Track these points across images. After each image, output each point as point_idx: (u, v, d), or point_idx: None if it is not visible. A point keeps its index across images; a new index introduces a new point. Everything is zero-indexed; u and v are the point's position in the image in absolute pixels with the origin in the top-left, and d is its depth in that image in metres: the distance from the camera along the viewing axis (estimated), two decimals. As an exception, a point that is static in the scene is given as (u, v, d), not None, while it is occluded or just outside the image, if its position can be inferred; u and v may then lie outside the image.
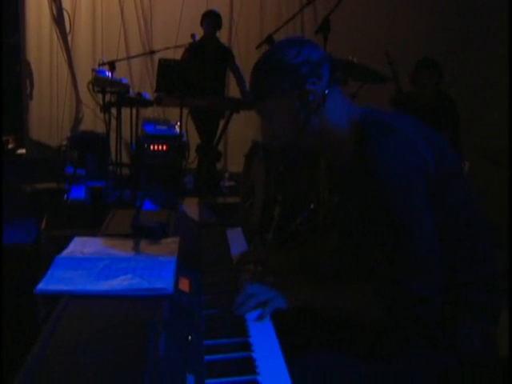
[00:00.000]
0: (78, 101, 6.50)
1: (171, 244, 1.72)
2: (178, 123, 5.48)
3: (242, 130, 6.14)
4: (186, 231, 1.97)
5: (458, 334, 1.39)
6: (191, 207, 4.78)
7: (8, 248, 1.76)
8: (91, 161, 5.24)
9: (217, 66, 5.26)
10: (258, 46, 3.40)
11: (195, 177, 5.40)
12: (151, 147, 5.26)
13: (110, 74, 4.48)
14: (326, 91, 1.43)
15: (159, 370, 1.05)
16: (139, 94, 4.80)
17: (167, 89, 4.47)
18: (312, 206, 3.53)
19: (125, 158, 5.56)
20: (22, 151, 6.64)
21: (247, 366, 1.17)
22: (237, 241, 1.98)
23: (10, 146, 6.92)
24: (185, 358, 1.14)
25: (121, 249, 1.66)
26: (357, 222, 1.45)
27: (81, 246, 1.67)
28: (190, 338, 1.23)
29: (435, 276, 1.32)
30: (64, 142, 5.65)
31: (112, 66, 4.43)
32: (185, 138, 5.52)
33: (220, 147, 5.96)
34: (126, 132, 5.13)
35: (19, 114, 6.52)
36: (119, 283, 1.39)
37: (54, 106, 6.47)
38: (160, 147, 5.30)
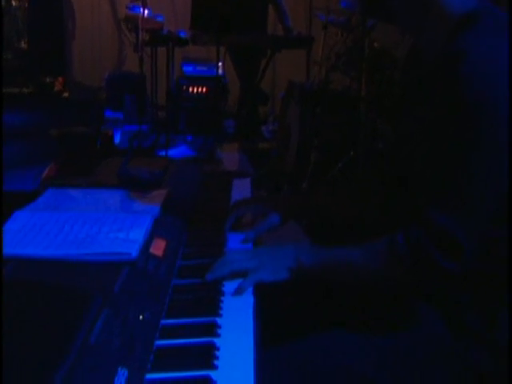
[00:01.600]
0: (120, 41, 6.30)
1: (155, 197, 1.49)
2: (220, 63, 5.22)
3: (289, 71, 5.80)
4: (184, 182, 1.74)
5: (496, 325, 1.11)
6: (229, 153, 4.55)
7: (8, 194, 1.60)
8: (129, 103, 5.07)
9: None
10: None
11: (236, 120, 5.15)
12: (190, 89, 5.03)
13: (142, 11, 4.24)
14: None
15: (84, 360, 0.84)
16: (173, 32, 4.53)
17: (203, 26, 4.20)
18: (351, 153, 3.23)
19: (163, 101, 5.36)
20: (66, 94, 6.54)
21: (204, 357, 0.95)
22: (242, 194, 1.74)
23: (55, 89, 6.85)
24: (124, 346, 0.92)
25: (96, 203, 1.45)
26: (420, 147, 1.17)
27: (53, 198, 1.47)
28: (141, 317, 1.01)
29: (482, 232, 1.06)
30: (103, 84, 5.49)
31: (144, 1, 4.18)
32: (226, 80, 5.25)
33: (267, 89, 5.66)
34: (163, 73, 4.90)
35: (62, 55, 6.40)
36: (75, 246, 1.19)
37: (95, 46, 6.29)
38: (199, 89, 5.06)
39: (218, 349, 0.97)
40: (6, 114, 5.11)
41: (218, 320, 1.05)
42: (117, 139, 4.75)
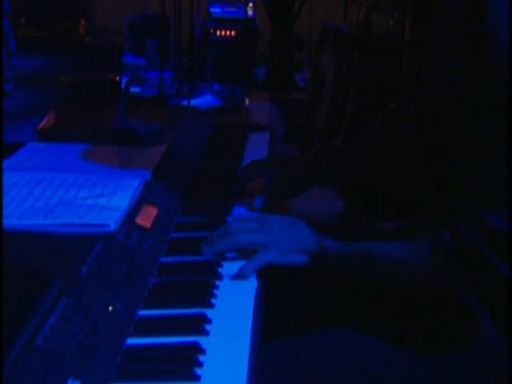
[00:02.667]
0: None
1: (150, 155, 1.30)
2: (251, 4, 4.93)
3: (326, 14, 5.47)
4: (190, 138, 1.55)
5: None
6: (258, 103, 4.32)
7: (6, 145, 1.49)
8: (151, 48, 4.86)
9: None
10: None
11: (267, 67, 4.90)
12: (218, 32, 4.78)
13: None
14: None
15: (24, 367, 0.68)
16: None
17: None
18: (392, 105, 2.97)
19: (187, 46, 5.12)
20: (88, 39, 6.37)
21: (185, 362, 0.77)
22: (258, 152, 1.53)
23: (78, 33, 6.67)
24: (82, 348, 0.75)
25: (79, 161, 1.27)
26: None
27: (30, 155, 1.30)
28: (111, 308, 0.84)
29: None
30: (123, 28, 5.27)
31: None
32: (257, 22, 4.98)
33: (302, 34, 5.36)
34: (188, 16, 4.65)
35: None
36: (43, 214, 1.01)
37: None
38: (228, 32, 4.81)
39: (203, 352, 0.79)
40: (20, 58, 4.95)
41: (209, 312, 0.87)
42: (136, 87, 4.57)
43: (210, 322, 0.85)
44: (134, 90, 4.63)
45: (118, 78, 2.92)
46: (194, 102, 4.34)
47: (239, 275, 0.96)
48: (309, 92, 3.61)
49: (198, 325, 0.83)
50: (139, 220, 1.06)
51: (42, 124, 2.13)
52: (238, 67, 4.75)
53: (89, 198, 1.07)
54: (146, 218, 1.08)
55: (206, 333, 0.82)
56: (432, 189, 1.04)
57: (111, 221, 0.99)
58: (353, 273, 1.00)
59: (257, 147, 1.55)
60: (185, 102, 3.97)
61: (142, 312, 0.87)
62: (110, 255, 0.93)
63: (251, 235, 1.00)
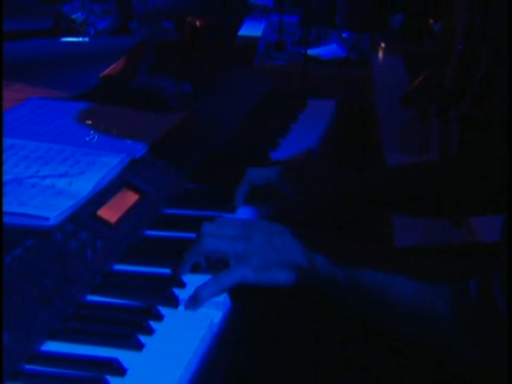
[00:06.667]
0: None
1: (160, 125, 1.10)
2: None
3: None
4: (226, 104, 1.31)
5: None
6: (387, 55, 3.94)
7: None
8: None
9: None
10: None
11: (405, 14, 4.44)
12: (351, -27, 4.40)
13: None
14: None
15: None
16: None
17: None
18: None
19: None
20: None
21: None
22: (311, 126, 1.27)
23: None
24: None
25: (72, 127, 1.10)
26: None
27: (24, 113, 1.14)
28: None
29: None
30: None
31: None
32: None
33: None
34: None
35: None
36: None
37: None
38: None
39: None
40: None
41: (130, 357, 0.66)
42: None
43: (123, 372, 0.64)
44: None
45: (199, 23, 2.62)
46: (317, 51, 4.06)
47: (193, 301, 0.74)
48: (437, 46, 3.19)
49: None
50: (103, 212, 0.87)
51: (106, 71, 2.01)
52: (373, 14, 4.35)
53: (49, 176, 0.90)
54: (115, 208, 0.89)
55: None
56: None
57: (53, 213, 0.80)
58: (346, 305, 0.75)
59: (312, 121, 1.29)
60: (302, 50, 3.70)
61: (44, 349, 0.68)
62: (34, 261, 0.75)
63: (221, 242, 0.78)
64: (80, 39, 4.92)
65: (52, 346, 0.68)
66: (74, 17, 4.96)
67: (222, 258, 0.78)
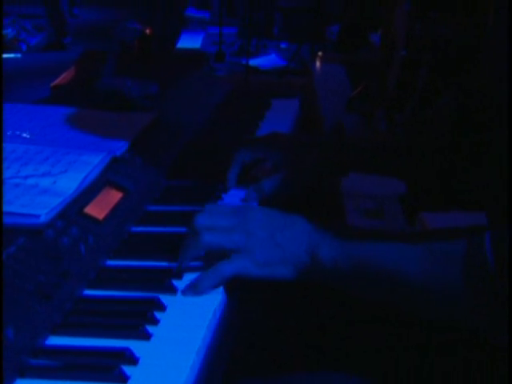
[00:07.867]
0: None
1: (133, 124, 1.10)
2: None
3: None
4: (193, 104, 1.33)
5: None
6: (325, 64, 4.04)
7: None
8: (216, 1, 4.65)
9: None
10: None
11: (341, 25, 4.57)
12: (288, -15, 4.51)
13: None
14: None
15: None
16: None
17: None
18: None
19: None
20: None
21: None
22: (278, 123, 1.30)
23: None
24: None
25: (46, 129, 1.08)
26: None
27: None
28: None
29: None
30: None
31: None
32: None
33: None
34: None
35: None
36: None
37: None
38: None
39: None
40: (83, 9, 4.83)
41: (138, 346, 0.66)
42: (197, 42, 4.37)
43: (136, 361, 0.64)
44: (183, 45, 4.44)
45: (148, 31, 2.67)
46: (256, 61, 4.11)
47: (192, 289, 0.75)
48: (379, 54, 3.30)
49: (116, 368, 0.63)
50: (90, 209, 0.86)
51: (58, 79, 1.97)
52: (310, 25, 4.46)
53: (31, 176, 0.89)
54: (101, 206, 0.88)
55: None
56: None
57: (43, 210, 0.79)
58: (353, 296, 0.76)
59: (279, 119, 1.32)
60: (244, 61, 3.75)
61: (49, 342, 0.68)
62: (25, 260, 0.74)
63: (219, 236, 0.78)
64: (12, 55, 4.83)
65: (57, 340, 0.68)
66: (4, 33, 4.85)
67: (220, 251, 0.78)
